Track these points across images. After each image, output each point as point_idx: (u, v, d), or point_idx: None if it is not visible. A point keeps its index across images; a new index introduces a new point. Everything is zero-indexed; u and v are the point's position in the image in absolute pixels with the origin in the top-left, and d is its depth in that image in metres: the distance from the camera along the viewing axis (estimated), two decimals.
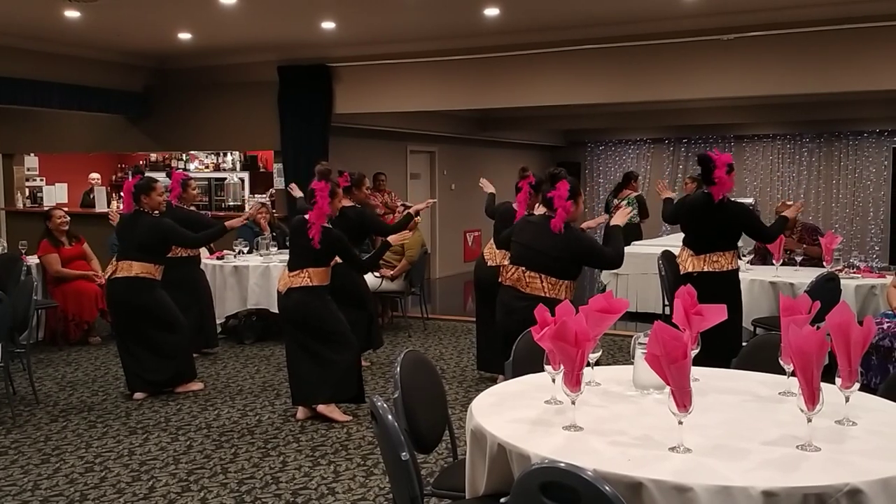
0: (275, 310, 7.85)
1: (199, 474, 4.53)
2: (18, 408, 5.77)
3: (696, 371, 3.37)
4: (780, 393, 3.07)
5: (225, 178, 11.58)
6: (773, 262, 6.92)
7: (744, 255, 7.39)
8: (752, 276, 6.77)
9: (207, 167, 12.18)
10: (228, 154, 12.10)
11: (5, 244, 8.42)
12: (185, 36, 8.96)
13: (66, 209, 8.91)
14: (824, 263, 6.74)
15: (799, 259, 7.08)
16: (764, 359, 3.46)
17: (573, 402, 2.70)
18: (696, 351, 3.33)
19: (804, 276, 6.39)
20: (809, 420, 2.46)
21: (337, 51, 9.50)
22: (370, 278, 8.29)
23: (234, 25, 8.40)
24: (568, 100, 9.21)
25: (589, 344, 2.70)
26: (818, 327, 2.55)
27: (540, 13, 7.88)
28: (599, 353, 3.21)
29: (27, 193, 12.26)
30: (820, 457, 2.39)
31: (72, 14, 7.75)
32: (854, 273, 6.73)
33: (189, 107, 10.62)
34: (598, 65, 8.58)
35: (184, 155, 12.28)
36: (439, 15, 7.95)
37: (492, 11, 7.69)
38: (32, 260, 8.04)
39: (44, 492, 4.29)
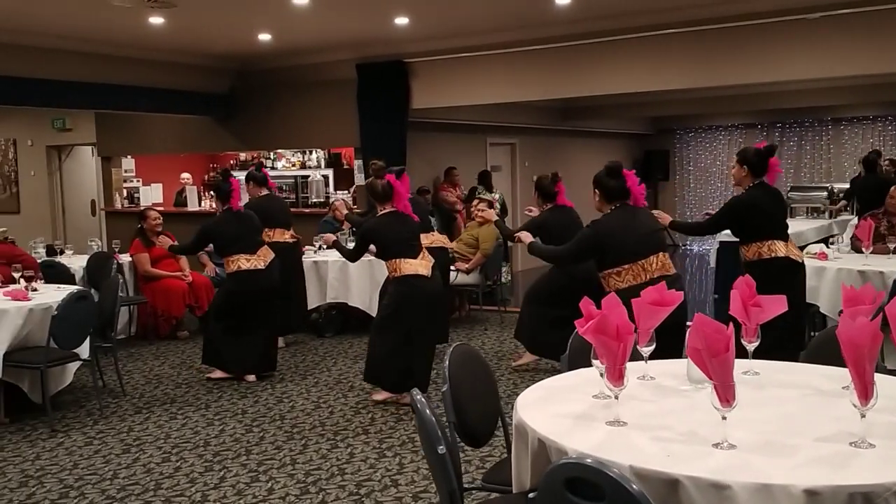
0: (353, 303, 8.04)
1: (269, 465, 4.65)
2: (106, 400, 6.05)
3: (757, 364, 3.27)
4: (843, 387, 2.92)
5: (309, 176, 11.84)
6: (863, 249, 6.59)
7: (832, 244, 7.10)
8: (839, 264, 6.46)
9: (294, 165, 12.47)
10: (313, 152, 12.34)
11: (99, 243, 8.80)
12: (264, 37, 9.18)
13: (161, 209, 9.28)
14: None
15: (893, 247, 6.72)
16: (834, 351, 3.31)
17: (616, 397, 2.64)
18: (756, 344, 3.23)
19: None
20: (863, 416, 2.34)
21: (412, 46, 9.55)
22: None
23: (309, 24, 8.54)
24: (648, 86, 9.01)
25: (630, 337, 2.63)
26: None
27: None
28: (653, 347, 3.13)
29: (125, 194, 12.81)
30: (873, 454, 2.27)
31: (156, 20, 8.04)
32: None
33: (273, 107, 10.87)
34: (678, 50, 8.35)
35: (271, 154, 12.59)
36: (511, 5, 7.89)
37: (563, 0, 7.58)
38: (125, 258, 8.40)
39: (122, 480, 4.49)
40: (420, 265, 5.59)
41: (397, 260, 5.55)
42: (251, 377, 6.51)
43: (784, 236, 5.41)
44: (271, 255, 6.51)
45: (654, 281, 4.62)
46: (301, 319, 7.93)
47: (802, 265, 5.46)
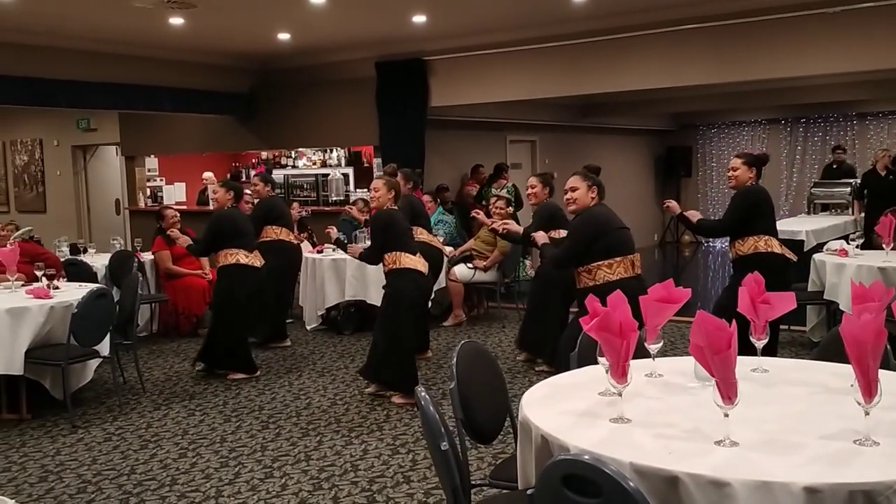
0: (371, 301, 8.06)
1: (284, 461, 4.69)
2: (126, 396, 6.13)
3: (768, 361, 3.25)
4: (852, 385, 2.89)
5: (329, 174, 11.91)
6: (884, 245, 6.52)
7: (852, 239, 7.03)
8: (859, 261, 6.42)
9: (315, 164, 12.53)
10: (334, 150, 12.39)
11: (122, 241, 8.90)
12: (284, 36, 9.23)
13: (184, 207, 9.37)
14: None
15: None
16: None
17: (620, 395, 2.65)
18: (766, 341, 3.21)
19: None
20: (867, 413, 2.33)
21: (430, 44, 9.56)
22: (463, 269, 8.36)
23: (328, 24, 8.58)
24: (667, 83, 8.95)
25: (634, 335, 2.63)
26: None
27: None
28: (661, 344, 3.12)
29: (148, 193, 12.94)
30: (876, 452, 2.26)
31: (176, 21, 8.12)
32: None
33: (293, 105, 10.93)
34: (696, 45, 8.29)
35: (293, 152, 12.66)
36: (529, 2, 7.88)
37: None
38: (147, 256, 8.50)
39: (139, 476, 4.55)
40: (419, 262, 5.70)
41: (398, 253, 5.63)
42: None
43: (777, 235, 5.54)
44: (262, 261, 6.67)
45: (639, 277, 4.76)
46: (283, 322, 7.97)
47: (794, 263, 5.64)
